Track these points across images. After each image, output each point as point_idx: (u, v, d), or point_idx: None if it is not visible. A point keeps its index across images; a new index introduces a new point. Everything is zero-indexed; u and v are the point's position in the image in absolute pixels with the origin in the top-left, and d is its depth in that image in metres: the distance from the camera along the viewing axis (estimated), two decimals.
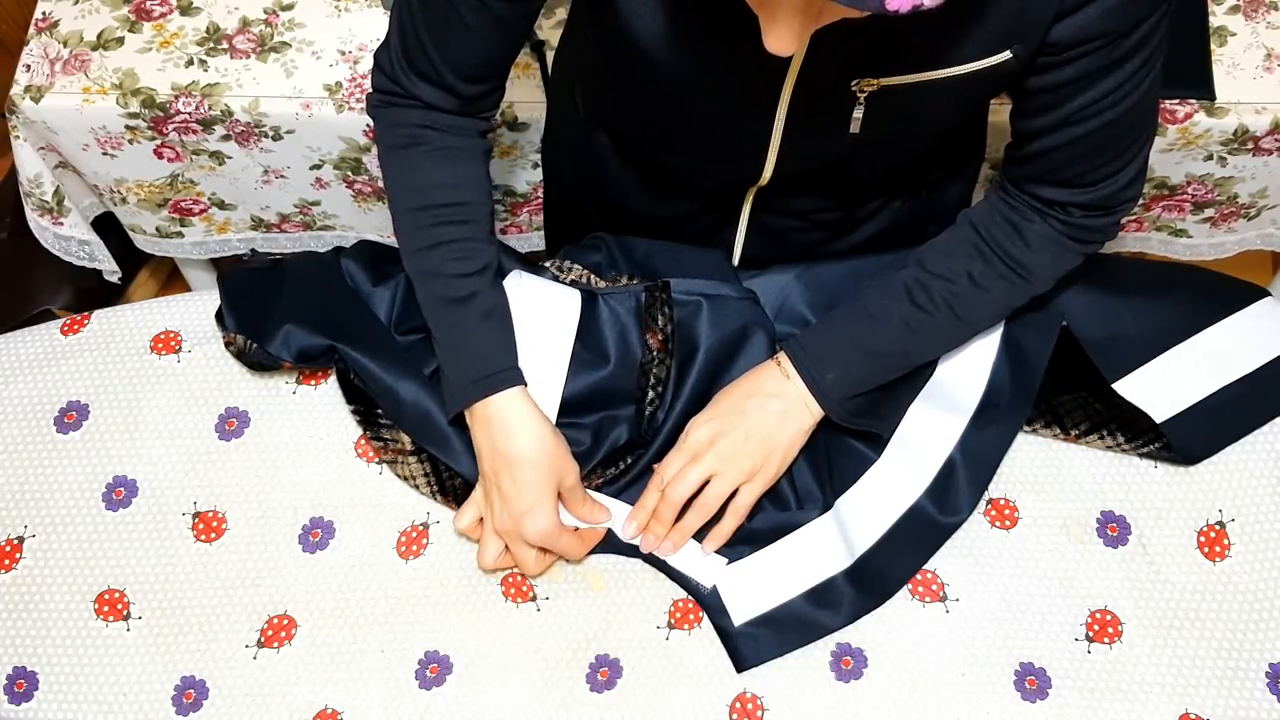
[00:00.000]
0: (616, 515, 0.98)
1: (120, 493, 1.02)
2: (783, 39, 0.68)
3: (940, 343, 0.97)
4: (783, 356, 0.96)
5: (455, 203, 0.94)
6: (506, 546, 0.96)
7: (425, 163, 0.93)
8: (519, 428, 0.92)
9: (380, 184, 1.38)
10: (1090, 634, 0.95)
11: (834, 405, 0.94)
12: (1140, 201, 1.39)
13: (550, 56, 1.30)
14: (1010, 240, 0.92)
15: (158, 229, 1.48)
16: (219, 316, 1.04)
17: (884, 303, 0.95)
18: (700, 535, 0.97)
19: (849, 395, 0.94)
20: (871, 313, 0.95)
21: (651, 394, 1.00)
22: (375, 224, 1.47)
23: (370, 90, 0.95)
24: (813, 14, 0.66)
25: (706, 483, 0.95)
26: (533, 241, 1.54)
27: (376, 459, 1.03)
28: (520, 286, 0.99)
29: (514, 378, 0.93)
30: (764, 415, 0.94)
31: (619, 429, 1.01)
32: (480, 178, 0.95)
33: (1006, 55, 0.80)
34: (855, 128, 0.87)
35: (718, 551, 0.96)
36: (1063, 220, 0.91)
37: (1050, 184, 0.90)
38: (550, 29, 1.32)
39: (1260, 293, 1.06)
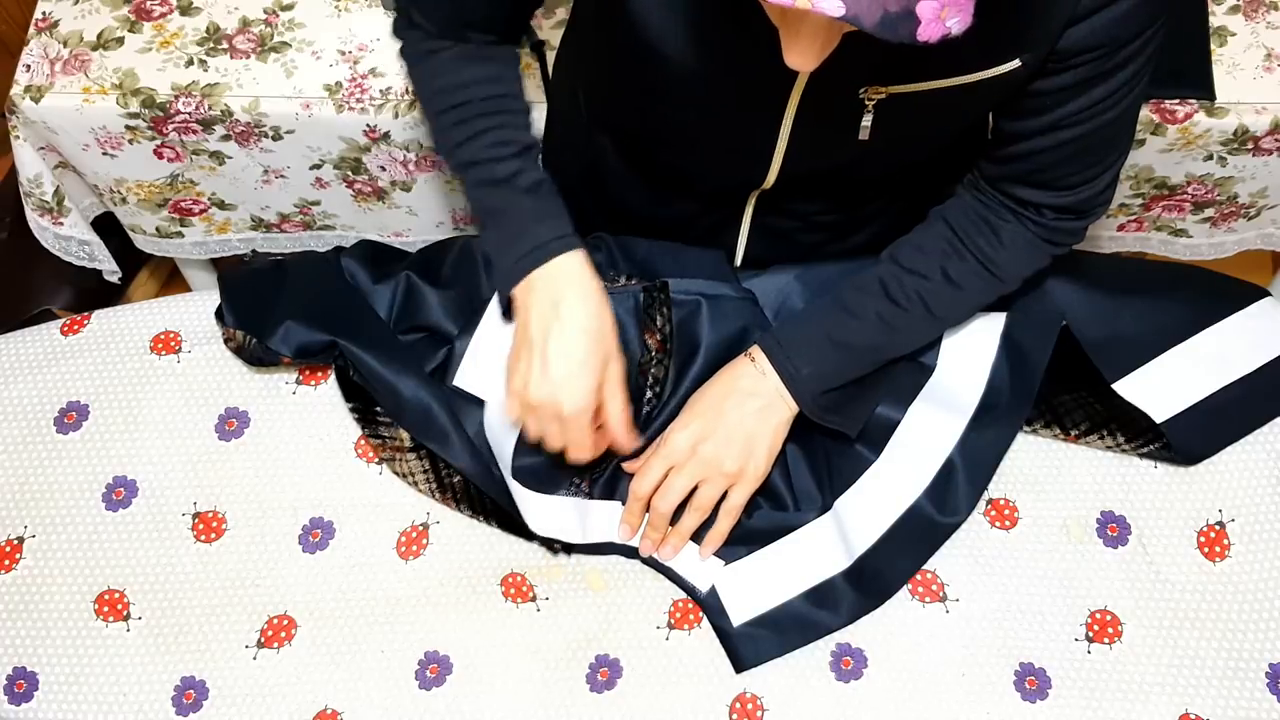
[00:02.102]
0: (611, 518, 0.98)
1: (120, 493, 1.02)
2: (805, 55, 0.67)
3: (913, 338, 0.98)
4: (756, 351, 0.96)
5: (489, 96, 0.92)
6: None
7: (452, 64, 0.92)
8: (578, 293, 0.89)
9: (380, 184, 1.38)
10: (1090, 634, 0.95)
11: (808, 400, 0.94)
12: (1140, 201, 1.39)
13: (550, 56, 1.30)
14: (985, 239, 0.93)
15: (158, 229, 1.48)
16: (219, 313, 1.04)
17: (859, 298, 0.95)
18: (697, 537, 0.97)
19: (823, 390, 0.94)
20: (847, 307, 0.95)
21: (650, 394, 1.00)
22: (375, 224, 1.47)
23: (394, 15, 0.95)
24: (835, 32, 0.66)
25: (695, 487, 0.94)
26: None
27: (375, 457, 1.03)
28: None
29: (572, 243, 0.90)
30: (743, 414, 0.94)
31: None
32: (511, 76, 0.94)
33: (1016, 64, 0.80)
34: (864, 135, 0.87)
35: (715, 554, 0.96)
36: (1036, 221, 0.92)
37: (1028, 185, 0.90)
38: (550, 29, 1.32)
39: (1260, 293, 1.06)
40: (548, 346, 0.88)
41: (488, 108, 0.92)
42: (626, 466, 0.98)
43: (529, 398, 0.89)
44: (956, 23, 0.59)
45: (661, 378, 1.00)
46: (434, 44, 0.93)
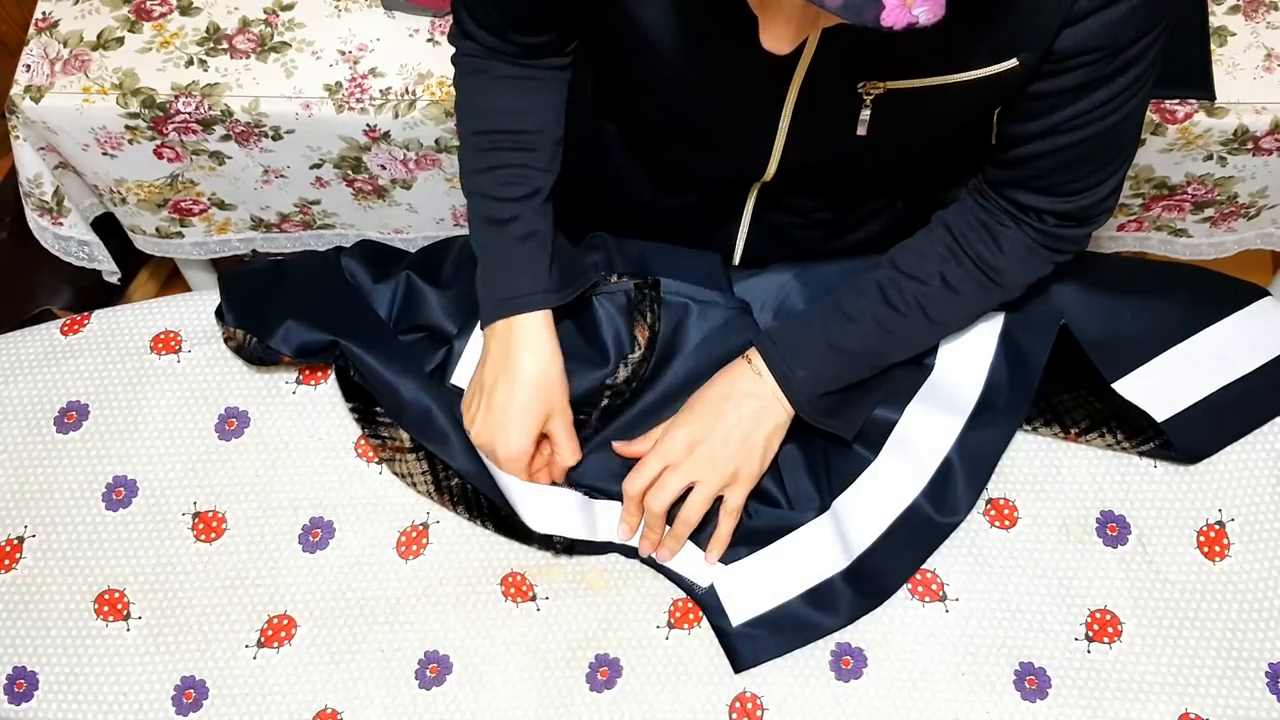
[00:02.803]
0: (610, 518, 0.98)
1: (120, 493, 1.02)
2: (780, 39, 0.67)
3: (911, 343, 0.97)
4: (754, 353, 0.96)
5: (514, 130, 0.95)
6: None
7: (490, 89, 0.96)
8: (528, 349, 0.94)
9: (380, 182, 1.38)
10: (1090, 634, 0.95)
11: (804, 403, 0.94)
12: (1140, 201, 1.39)
13: None
14: (984, 244, 0.92)
15: (158, 229, 1.48)
16: (219, 313, 1.04)
17: (857, 301, 0.95)
18: (699, 541, 0.97)
19: (819, 393, 0.94)
20: (844, 311, 0.95)
21: (626, 390, 1.00)
22: (376, 223, 1.47)
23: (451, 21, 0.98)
24: (810, 17, 0.66)
25: (689, 489, 0.94)
26: None
27: (375, 457, 1.03)
28: None
29: (537, 302, 0.94)
30: (740, 416, 0.94)
31: None
32: (546, 106, 0.97)
33: (1013, 63, 0.80)
34: (862, 129, 0.87)
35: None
36: (1037, 228, 0.91)
37: (1030, 190, 0.90)
38: None
39: (1260, 293, 1.06)
40: (494, 394, 0.94)
41: (512, 142, 0.95)
42: (619, 448, 0.99)
43: (472, 437, 0.95)
44: (924, 12, 0.59)
45: (641, 374, 1.00)
46: (484, 62, 0.95)
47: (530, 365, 0.93)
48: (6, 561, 1.00)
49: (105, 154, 1.34)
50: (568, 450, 0.96)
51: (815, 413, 0.94)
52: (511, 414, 0.93)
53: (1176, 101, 1.25)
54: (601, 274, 1.05)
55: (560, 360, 0.95)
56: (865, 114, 0.86)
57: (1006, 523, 0.99)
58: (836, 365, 0.94)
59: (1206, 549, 0.98)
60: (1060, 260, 0.94)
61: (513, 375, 0.93)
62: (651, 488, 0.94)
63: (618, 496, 0.98)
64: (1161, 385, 1.01)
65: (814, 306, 0.97)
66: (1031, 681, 0.94)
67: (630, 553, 0.98)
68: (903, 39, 0.78)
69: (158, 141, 1.31)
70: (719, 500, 0.95)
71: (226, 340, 1.04)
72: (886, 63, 0.82)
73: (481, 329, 0.97)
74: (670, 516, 0.95)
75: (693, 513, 0.94)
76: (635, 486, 0.95)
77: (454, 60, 0.98)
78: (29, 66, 1.28)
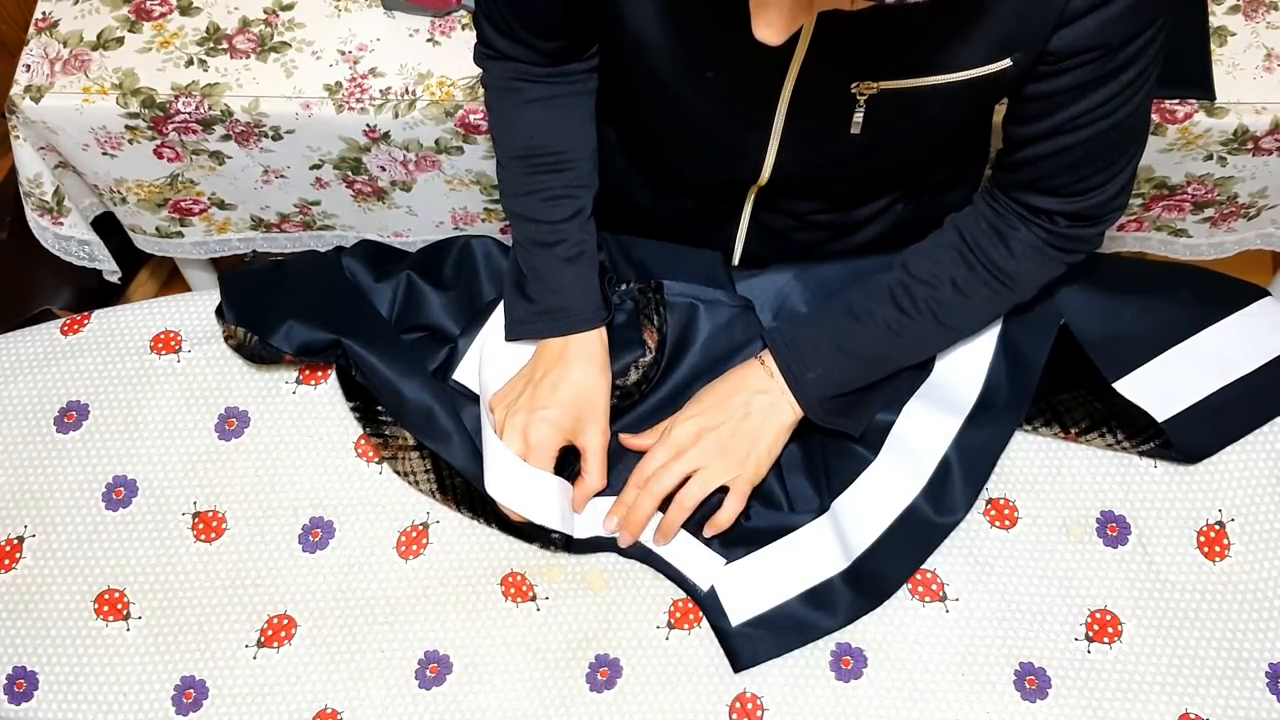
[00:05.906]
0: (603, 510, 0.98)
1: (120, 493, 1.02)
2: (773, 27, 0.66)
3: (922, 348, 0.97)
4: (766, 354, 0.96)
5: (551, 151, 0.96)
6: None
7: (522, 112, 0.97)
8: (584, 364, 0.96)
9: (380, 184, 1.38)
10: (1090, 634, 0.95)
11: (813, 404, 0.94)
12: (1140, 201, 1.39)
13: None
14: (995, 247, 0.92)
15: (158, 229, 1.48)
16: (219, 311, 1.04)
17: (868, 304, 0.95)
18: (697, 532, 0.97)
19: (829, 395, 0.94)
20: (855, 314, 0.95)
21: (636, 393, 1.00)
22: (375, 224, 1.47)
23: (475, 41, 0.99)
24: (804, 3, 0.66)
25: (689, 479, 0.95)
26: None
27: (377, 457, 1.03)
28: None
29: (597, 318, 0.97)
30: (748, 411, 0.94)
31: None
32: (577, 123, 0.98)
33: (1007, 63, 0.80)
34: (856, 130, 0.87)
35: (716, 552, 0.96)
36: (1048, 229, 0.91)
37: (1038, 192, 0.90)
38: None
39: (1260, 293, 1.06)
40: (541, 383, 0.96)
41: (551, 164, 0.97)
42: (625, 440, 0.99)
43: (508, 402, 0.97)
44: None
45: (652, 377, 1.00)
46: (514, 82, 0.96)
47: (581, 376, 0.95)
48: (6, 561, 1.00)
49: (105, 154, 1.34)
50: (596, 472, 0.96)
51: (824, 414, 0.95)
52: (554, 401, 0.94)
53: (1176, 101, 1.25)
54: (610, 276, 1.05)
55: (609, 378, 0.97)
56: (859, 115, 0.86)
57: (1006, 523, 0.99)
58: (846, 368, 0.95)
59: (1206, 549, 0.98)
60: (1073, 260, 0.94)
61: (563, 375, 0.95)
62: (655, 474, 0.94)
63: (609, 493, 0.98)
64: (1162, 385, 1.00)
65: (825, 308, 0.97)
66: (1031, 681, 0.94)
67: (630, 552, 0.98)
68: (897, 37, 0.78)
69: (158, 141, 1.31)
70: (720, 498, 0.95)
71: (227, 339, 1.04)
72: (879, 62, 0.82)
73: (517, 334, 0.98)
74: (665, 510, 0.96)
75: (689, 495, 0.94)
76: (644, 473, 0.95)
77: (483, 82, 0.99)
78: (29, 66, 1.28)
